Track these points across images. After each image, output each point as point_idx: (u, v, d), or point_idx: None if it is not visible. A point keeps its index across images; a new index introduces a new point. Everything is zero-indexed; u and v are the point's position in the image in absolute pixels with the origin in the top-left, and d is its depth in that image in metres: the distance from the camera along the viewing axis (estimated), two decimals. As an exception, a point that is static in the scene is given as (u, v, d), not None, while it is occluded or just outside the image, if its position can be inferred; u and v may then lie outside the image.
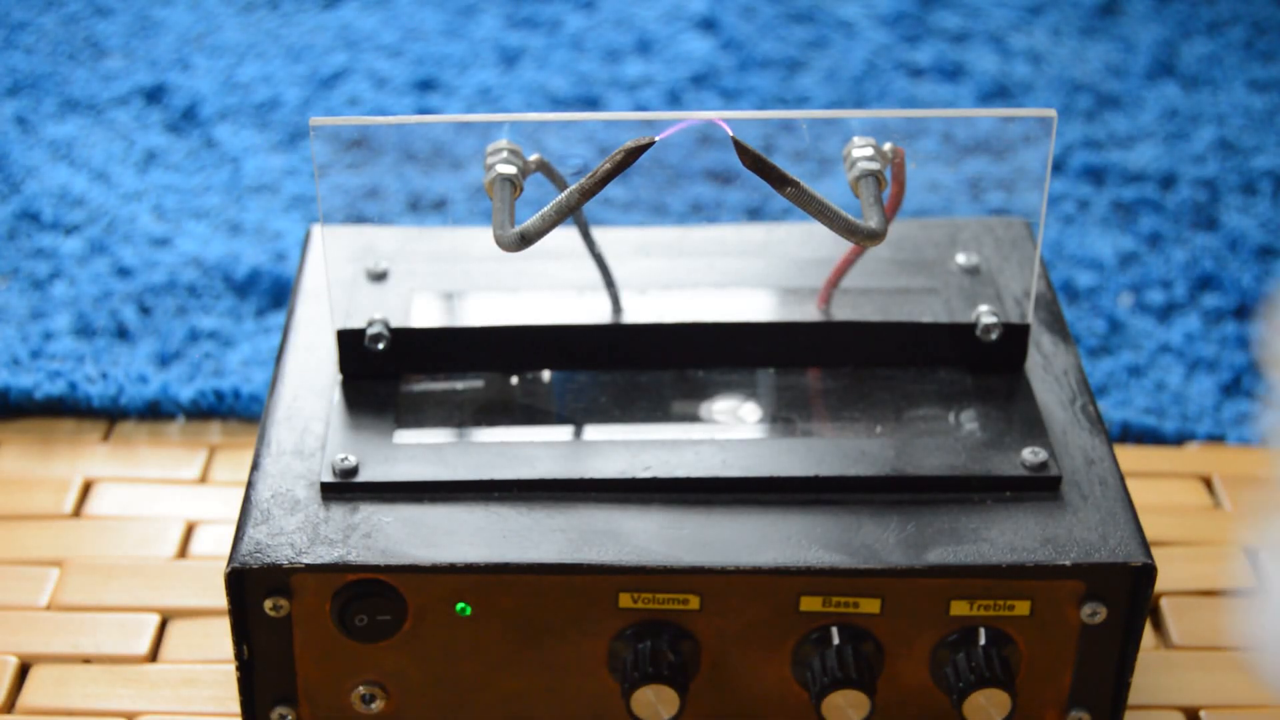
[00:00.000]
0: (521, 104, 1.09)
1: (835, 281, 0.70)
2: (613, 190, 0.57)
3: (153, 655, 0.70)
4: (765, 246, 0.75)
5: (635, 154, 0.58)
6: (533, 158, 0.62)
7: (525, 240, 0.58)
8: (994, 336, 0.68)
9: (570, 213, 0.58)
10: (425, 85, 1.11)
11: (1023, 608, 0.60)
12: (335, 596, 0.60)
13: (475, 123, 0.64)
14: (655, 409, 0.66)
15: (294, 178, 1.01)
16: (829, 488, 0.62)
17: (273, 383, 0.68)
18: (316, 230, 0.77)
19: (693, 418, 0.66)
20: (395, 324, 0.67)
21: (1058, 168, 1.02)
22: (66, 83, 1.11)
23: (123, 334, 0.88)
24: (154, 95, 1.09)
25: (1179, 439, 0.82)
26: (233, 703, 0.66)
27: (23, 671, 0.69)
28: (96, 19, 1.18)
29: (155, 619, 0.71)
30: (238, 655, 0.61)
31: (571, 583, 0.60)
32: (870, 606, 0.60)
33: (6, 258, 0.93)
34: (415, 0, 1.21)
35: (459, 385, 0.68)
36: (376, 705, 0.62)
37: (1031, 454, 0.63)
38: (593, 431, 0.65)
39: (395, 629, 0.60)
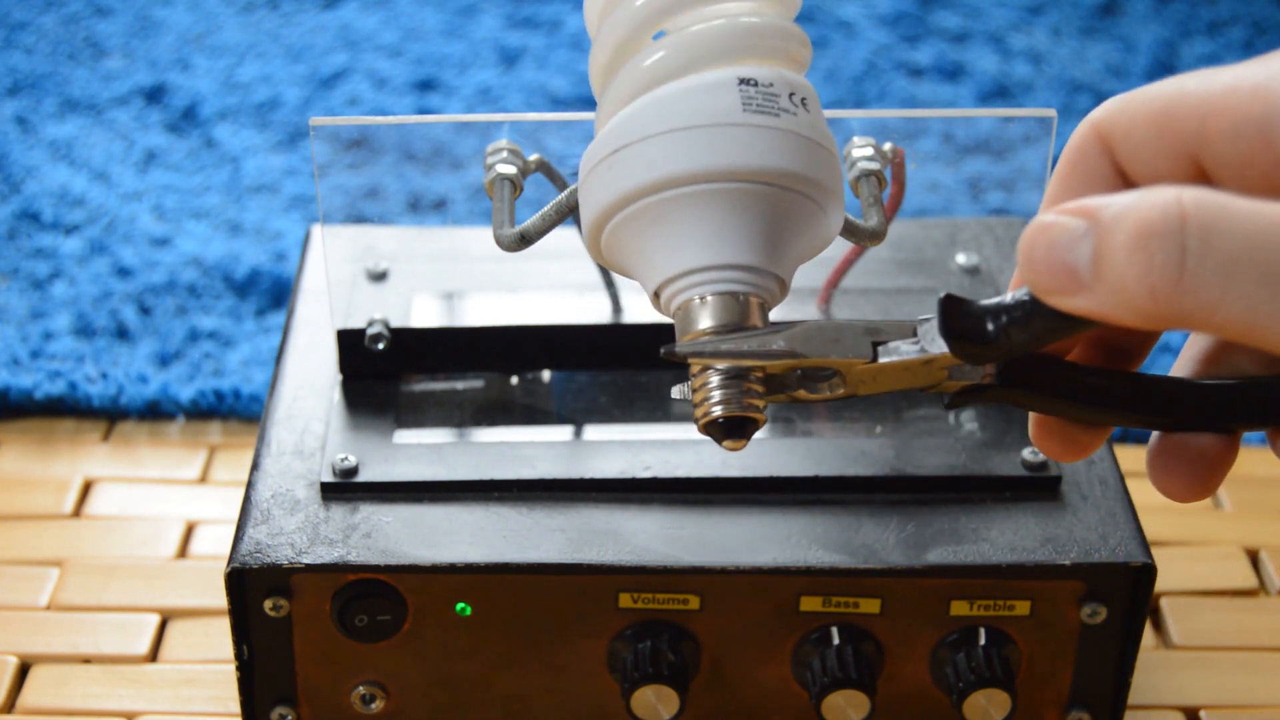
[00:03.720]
0: (521, 104, 1.09)
1: (835, 281, 0.70)
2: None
3: (153, 655, 0.70)
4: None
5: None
6: (533, 158, 0.62)
7: (525, 240, 0.58)
8: (994, 336, 0.67)
9: (570, 213, 0.58)
10: (425, 85, 1.11)
11: (1023, 608, 0.60)
12: (335, 596, 0.60)
13: (475, 123, 0.64)
14: (655, 409, 0.66)
15: (294, 178, 1.01)
16: (829, 488, 0.62)
17: (273, 383, 0.68)
18: (316, 230, 0.77)
19: (693, 418, 0.66)
20: (395, 324, 0.67)
21: (1058, 168, 1.02)
22: (66, 83, 1.11)
23: (123, 334, 0.88)
24: (154, 95, 1.09)
25: (1179, 439, 0.82)
26: (233, 703, 0.66)
27: (23, 671, 0.69)
28: (96, 19, 1.18)
29: (155, 619, 0.71)
30: (238, 655, 0.61)
31: (571, 583, 0.60)
32: (870, 606, 0.60)
33: (6, 258, 0.93)
34: (415, 0, 1.21)
35: (459, 385, 0.68)
36: (376, 705, 0.62)
37: (1031, 454, 0.63)
38: (593, 431, 0.65)
39: (395, 629, 0.60)
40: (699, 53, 0.49)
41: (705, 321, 0.47)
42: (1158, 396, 0.43)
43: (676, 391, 0.49)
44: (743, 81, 0.48)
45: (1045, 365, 0.43)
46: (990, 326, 0.41)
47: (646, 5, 0.50)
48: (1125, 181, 0.42)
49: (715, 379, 0.47)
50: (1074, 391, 0.43)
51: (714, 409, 0.47)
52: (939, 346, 0.43)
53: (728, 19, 0.50)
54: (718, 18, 0.50)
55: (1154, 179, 0.40)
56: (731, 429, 0.47)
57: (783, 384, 0.46)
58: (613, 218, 0.49)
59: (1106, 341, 0.45)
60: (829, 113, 0.65)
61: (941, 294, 0.42)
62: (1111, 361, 0.45)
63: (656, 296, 0.49)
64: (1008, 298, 0.41)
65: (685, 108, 0.48)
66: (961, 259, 0.72)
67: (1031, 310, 0.40)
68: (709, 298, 0.48)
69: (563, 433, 0.65)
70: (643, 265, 0.49)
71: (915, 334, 0.44)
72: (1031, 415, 0.45)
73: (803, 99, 0.49)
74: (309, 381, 0.68)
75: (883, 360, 0.44)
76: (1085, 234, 0.37)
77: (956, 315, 0.42)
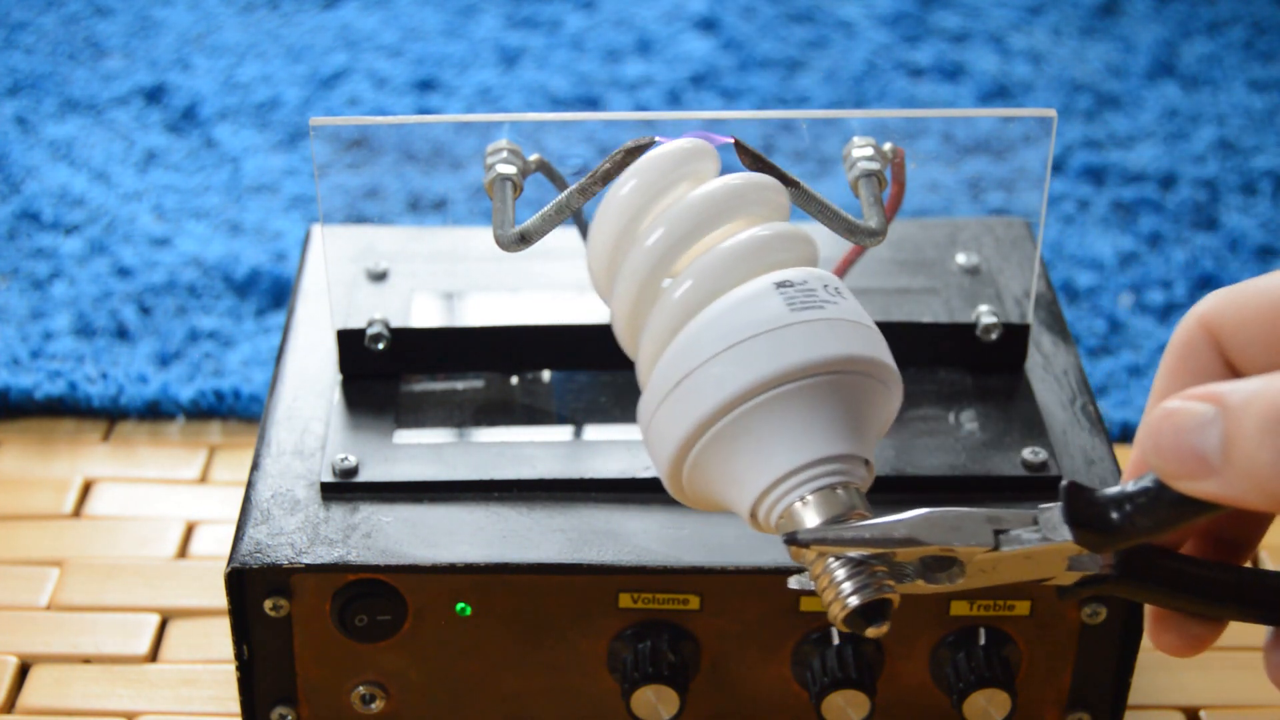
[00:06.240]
0: (521, 104, 1.09)
1: (835, 281, 0.70)
2: (613, 190, 0.57)
3: (153, 655, 0.70)
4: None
5: (635, 154, 0.58)
6: (533, 158, 0.62)
7: (525, 240, 0.58)
8: (994, 336, 0.68)
9: (570, 213, 0.58)
10: (425, 85, 1.11)
11: (1023, 608, 0.60)
12: (335, 596, 0.60)
13: (475, 123, 0.64)
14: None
15: (294, 178, 1.01)
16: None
17: (273, 383, 0.68)
18: (316, 230, 0.77)
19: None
20: (395, 324, 0.67)
21: (1058, 168, 1.02)
22: (66, 83, 1.11)
23: (123, 334, 0.88)
24: (154, 95, 1.09)
25: (1179, 439, 0.82)
26: (233, 703, 0.66)
27: (23, 671, 0.69)
28: (96, 19, 1.18)
29: (155, 619, 0.71)
30: (238, 655, 0.61)
31: (571, 583, 0.60)
32: (870, 606, 0.60)
33: (6, 258, 0.93)
34: (415, 0, 1.21)
35: (459, 385, 0.68)
36: (376, 705, 0.62)
37: (1031, 454, 0.63)
38: (593, 431, 0.65)
39: (395, 629, 0.60)
40: (729, 270, 0.50)
41: (813, 520, 0.47)
42: (1275, 591, 0.44)
43: (794, 582, 0.48)
44: (780, 285, 0.49)
45: (1162, 558, 0.44)
46: (1115, 514, 0.42)
47: (658, 244, 0.51)
48: (1234, 374, 0.42)
49: (841, 571, 0.46)
50: (1192, 585, 0.44)
51: (850, 599, 0.46)
52: (1062, 534, 0.43)
53: (744, 236, 0.51)
54: (722, 241, 0.51)
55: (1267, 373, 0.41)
56: (871, 615, 0.47)
57: (901, 572, 0.46)
58: (694, 446, 0.49)
59: (1216, 533, 0.46)
60: (829, 113, 0.65)
61: (1064, 482, 0.43)
62: (1220, 554, 0.46)
63: (754, 517, 0.49)
64: (1130, 485, 0.41)
65: (736, 323, 0.48)
66: (961, 259, 0.72)
67: (1156, 496, 0.41)
68: (809, 497, 0.47)
69: (563, 433, 0.65)
70: (734, 487, 0.49)
71: (1036, 522, 0.44)
72: (1148, 610, 0.46)
73: (836, 288, 0.50)
74: (309, 381, 0.68)
75: (1004, 549, 0.44)
76: (1213, 419, 0.37)
77: (1081, 502, 0.42)
